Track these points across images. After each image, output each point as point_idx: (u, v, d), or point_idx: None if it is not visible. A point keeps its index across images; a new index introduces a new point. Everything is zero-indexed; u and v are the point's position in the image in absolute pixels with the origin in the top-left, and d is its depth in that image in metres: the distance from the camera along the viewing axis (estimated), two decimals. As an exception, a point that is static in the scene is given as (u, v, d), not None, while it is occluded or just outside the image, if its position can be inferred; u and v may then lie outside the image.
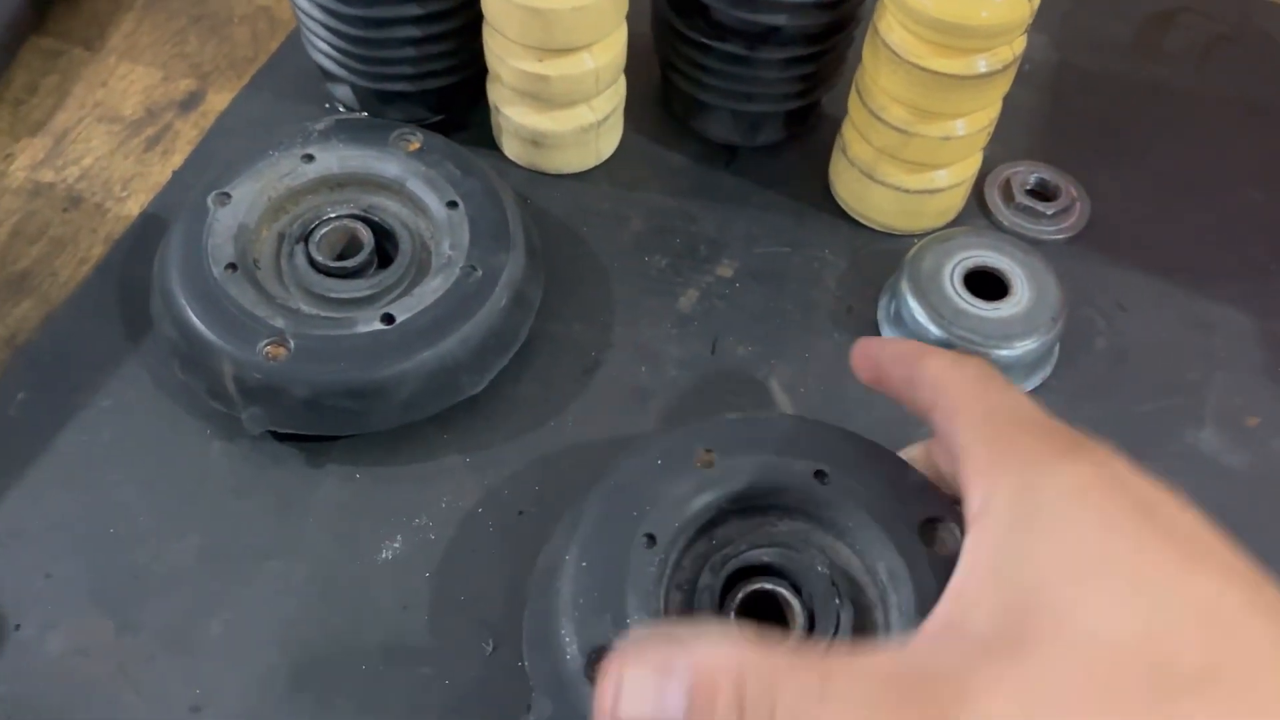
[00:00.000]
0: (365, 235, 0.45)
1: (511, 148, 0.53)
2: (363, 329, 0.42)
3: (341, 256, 0.45)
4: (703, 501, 0.35)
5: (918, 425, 0.32)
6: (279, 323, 0.42)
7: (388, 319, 0.42)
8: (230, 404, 0.41)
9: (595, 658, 0.32)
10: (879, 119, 0.47)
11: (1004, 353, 0.45)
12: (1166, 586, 0.22)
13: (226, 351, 0.41)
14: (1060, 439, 0.26)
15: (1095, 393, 0.47)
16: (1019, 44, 0.45)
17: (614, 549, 0.34)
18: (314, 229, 0.45)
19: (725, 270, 0.50)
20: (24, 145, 0.54)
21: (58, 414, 0.44)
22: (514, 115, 0.50)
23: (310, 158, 0.47)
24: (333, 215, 0.46)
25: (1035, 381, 0.47)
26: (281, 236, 0.46)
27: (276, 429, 0.42)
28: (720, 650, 0.24)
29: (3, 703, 0.37)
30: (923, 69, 0.44)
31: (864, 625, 0.34)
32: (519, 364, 0.45)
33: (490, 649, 0.39)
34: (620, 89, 0.52)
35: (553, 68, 0.47)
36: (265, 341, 0.41)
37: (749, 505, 0.36)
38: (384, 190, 0.47)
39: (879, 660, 0.23)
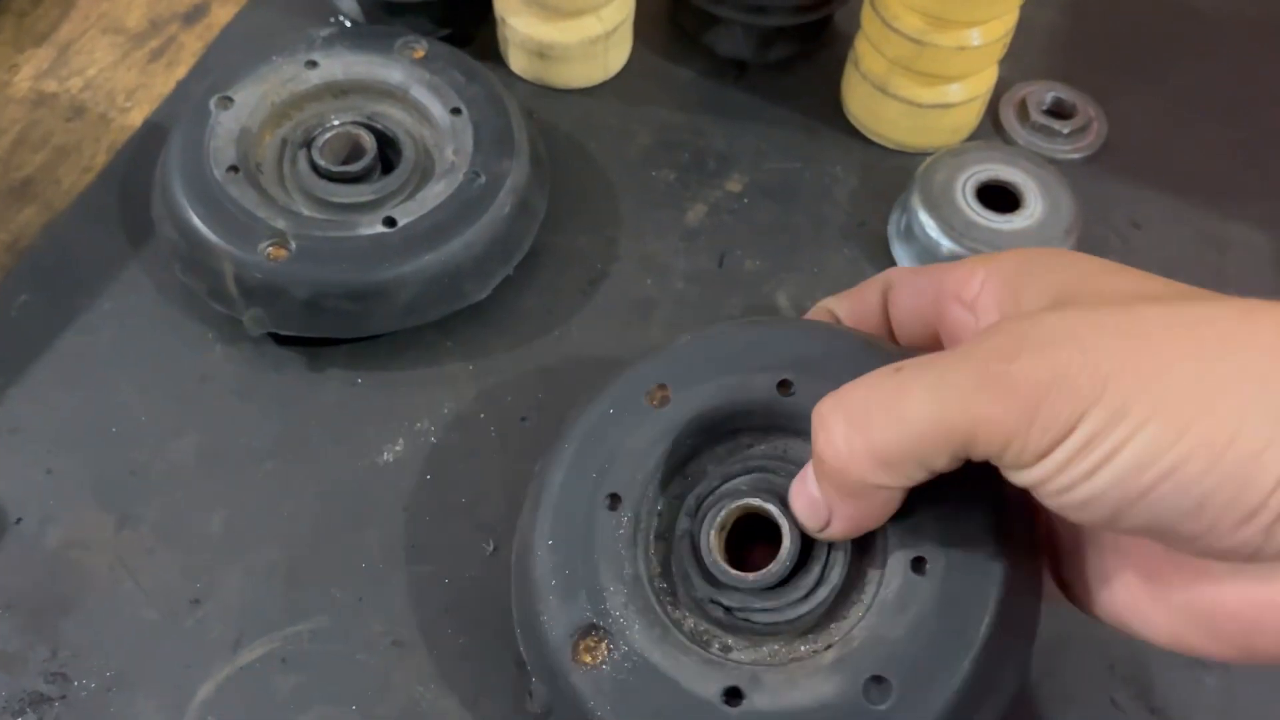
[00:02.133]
0: (368, 141, 0.45)
1: (518, 61, 0.52)
2: (364, 231, 0.41)
3: (344, 162, 0.44)
4: (662, 447, 0.33)
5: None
6: (280, 224, 0.41)
7: (389, 222, 0.42)
8: (231, 305, 0.41)
9: (580, 637, 0.30)
10: (892, 29, 0.46)
11: (1015, 267, 0.44)
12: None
13: (227, 252, 0.40)
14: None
15: (1108, 310, 0.46)
16: (1038, -51, 0.44)
17: (578, 518, 0.32)
18: (317, 135, 0.45)
19: (734, 185, 0.49)
20: (28, 56, 0.53)
21: (59, 316, 0.44)
22: (520, 26, 0.50)
23: (314, 64, 0.46)
24: (336, 122, 0.45)
25: (1047, 298, 0.46)
26: (284, 142, 0.45)
27: (277, 331, 0.41)
28: None
29: (3, 590, 0.37)
30: (938, -27, 0.43)
31: (858, 543, 0.31)
32: (523, 274, 0.45)
33: (491, 549, 0.39)
34: (629, 0, 0.51)
35: (560, -27, 0.47)
36: (266, 242, 0.40)
37: (716, 433, 0.33)
38: (387, 97, 0.47)
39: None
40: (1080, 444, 0.23)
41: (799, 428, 0.32)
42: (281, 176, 0.45)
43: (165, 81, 0.52)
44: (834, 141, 0.51)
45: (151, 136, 0.49)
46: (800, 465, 0.31)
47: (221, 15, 0.55)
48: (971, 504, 0.29)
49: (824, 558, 0.31)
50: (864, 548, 0.31)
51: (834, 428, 0.27)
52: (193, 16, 0.55)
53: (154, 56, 0.53)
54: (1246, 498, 0.22)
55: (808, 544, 0.31)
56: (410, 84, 0.46)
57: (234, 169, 0.43)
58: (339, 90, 0.47)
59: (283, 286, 0.40)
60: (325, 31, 0.47)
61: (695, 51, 0.54)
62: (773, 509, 0.31)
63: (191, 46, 0.54)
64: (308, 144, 0.45)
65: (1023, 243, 0.44)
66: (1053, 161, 0.50)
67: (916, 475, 0.27)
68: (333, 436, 0.41)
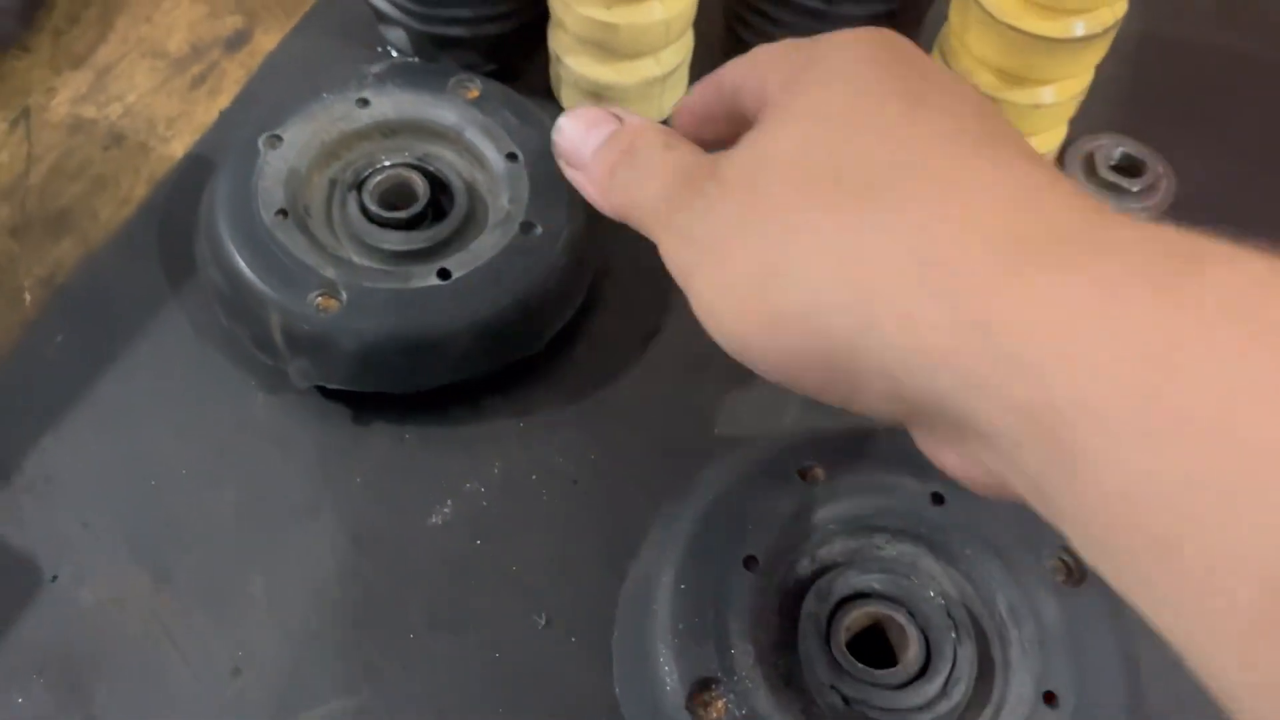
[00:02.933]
0: (420, 185, 0.43)
1: (571, 99, 0.50)
2: (417, 283, 0.40)
3: (394, 207, 0.43)
4: (808, 521, 0.33)
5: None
6: (330, 273, 0.39)
7: (444, 274, 0.40)
8: (276, 355, 0.40)
9: (698, 689, 0.30)
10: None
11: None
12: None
13: (275, 300, 0.39)
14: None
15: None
16: (1120, 7, 0.42)
17: (713, 572, 0.32)
18: (367, 177, 0.43)
19: (791, 236, 0.48)
20: (65, 79, 0.52)
21: (95, 358, 0.42)
22: (576, 65, 0.48)
23: (365, 102, 0.45)
24: (387, 163, 0.44)
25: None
26: (333, 183, 0.44)
27: (324, 384, 0.40)
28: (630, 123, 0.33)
29: (37, 651, 0.36)
30: (1016, 30, 0.42)
31: (980, 661, 0.32)
32: (576, 326, 0.43)
33: (543, 623, 0.37)
34: (688, 42, 0.49)
35: (621, 15, 0.45)
36: (316, 292, 0.39)
37: (856, 525, 0.34)
38: (440, 139, 0.45)
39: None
40: (691, 294, 0.27)
41: (939, 540, 0.34)
42: (330, 220, 0.43)
43: (207, 111, 0.51)
44: (894, 193, 0.49)
45: (193, 169, 0.48)
46: (929, 580, 0.34)
47: (265, 42, 0.54)
48: (1102, 640, 0.30)
49: (948, 671, 0.31)
50: (990, 668, 0.31)
51: (631, 151, 0.32)
52: (235, 42, 0.54)
53: (195, 84, 0.52)
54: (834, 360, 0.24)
55: (932, 652, 0.32)
56: (464, 126, 0.45)
57: (283, 213, 0.41)
58: (389, 130, 0.45)
59: (332, 339, 0.39)
60: (377, 67, 0.46)
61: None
62: (903, 621, 0.32)
63: (234, 74, 0.52)
64: (358, 186, 0.43)
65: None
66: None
67: (626, 221, 0.32)
68: (378, 495, 0.40)
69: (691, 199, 0.28)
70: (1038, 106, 0.44)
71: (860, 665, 0.32)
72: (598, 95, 0.49)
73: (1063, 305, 0.19)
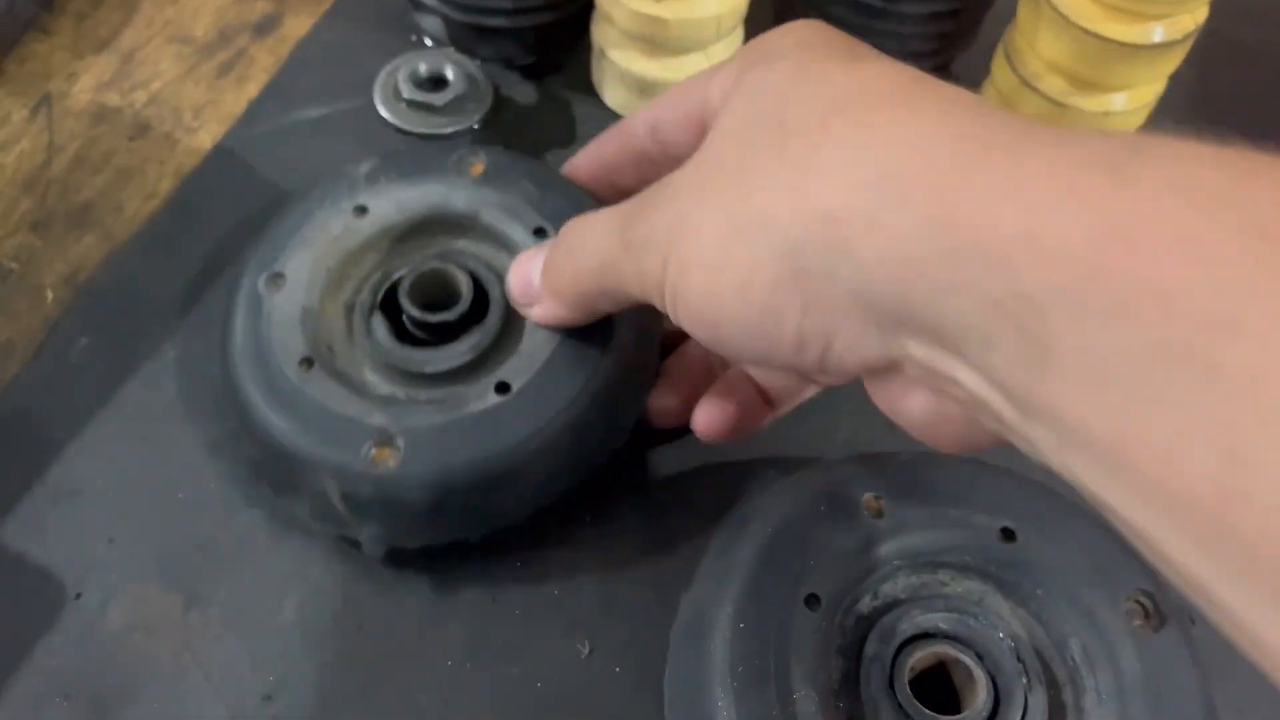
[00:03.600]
0: (458, 277, 0.37)
1: (615, 96, 0.48)
2: (475, 406, 0.34)
3: (433, 310, 0.37)
4: (871, 556, 0.32)
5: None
6: (378, 419, 0.34)
7: (502, 388, 0.35)
8: (342, 525, 0.35)
9: None
10: (1031, 87, 0.42)
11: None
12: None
13: (327, 466, 0.34)
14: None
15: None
16: (1201, 13, 0.40)
17: (774, 610, 0.31)
18: (389, 292, 0.38)
19: (843, 244, 0.46)
20: (88, 64, 0.50)
21: (121, 363, 0.41)
22: (621, 60, 0.46)
23: (362, 209, 0.38)
24: (404, 271, 0.38)
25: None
26: (350, 309, 0.38)
27: (403, 545, 0.35)
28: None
29: (60, 674, 0.34)
30: (1091, 34, 0.39)
31: (1052, 708, 0.31)
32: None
33: (586, 651, 0.36)
34: (738, 38, 0.47)
35: (671, 10, 0.43)
36: (368, 445, 0.33)
37: (920, 560, 0.32)
38: (455, 230, 0.39)
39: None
40: (668, 292, 0.27)
41: (1008, 579, 0.32)
42: (357, 353, 0.37)
43: (235, 100, 0.49)
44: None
45: (221, 162, 0.46)
46: (997, 620, 0.32)
47: (294, 27, 0.52)
48: (1183, 689, 0.28)
49: (1018, 718, 0.30)
50: (1062, 716, 0.30)
51: (560, 241, 0.33)
52: (264, 27, 0.52)
53: (223, 71, 0.50)
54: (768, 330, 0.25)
55: (1000, 697, 0.30)
56: (479, 208, 0.39)
57: (307, 362, 0.35)
58: (397, 234, 0.39)
59: (400, 495, 0.33)
60: (364, 166, 0.39)
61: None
62: (971, 663, 0.30)
63: (263, 61, 0.50)
64: (380, 306, 0.38)
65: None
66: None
67: (603, 306, 0.33)
68: (415, 513, 0.38)
69: (642, 210, 0.29)
70: (1108, 114, 0.42)
71: (927, 711, 0.30)
72: (643, 91, 0.47)
73: (1021, 194, 0.20)
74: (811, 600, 0.31)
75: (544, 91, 0.49)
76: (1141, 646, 0.31)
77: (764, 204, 0.24)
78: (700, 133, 0.30)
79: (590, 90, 0.49)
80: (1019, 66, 0.43)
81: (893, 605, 0.32)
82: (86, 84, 0.49)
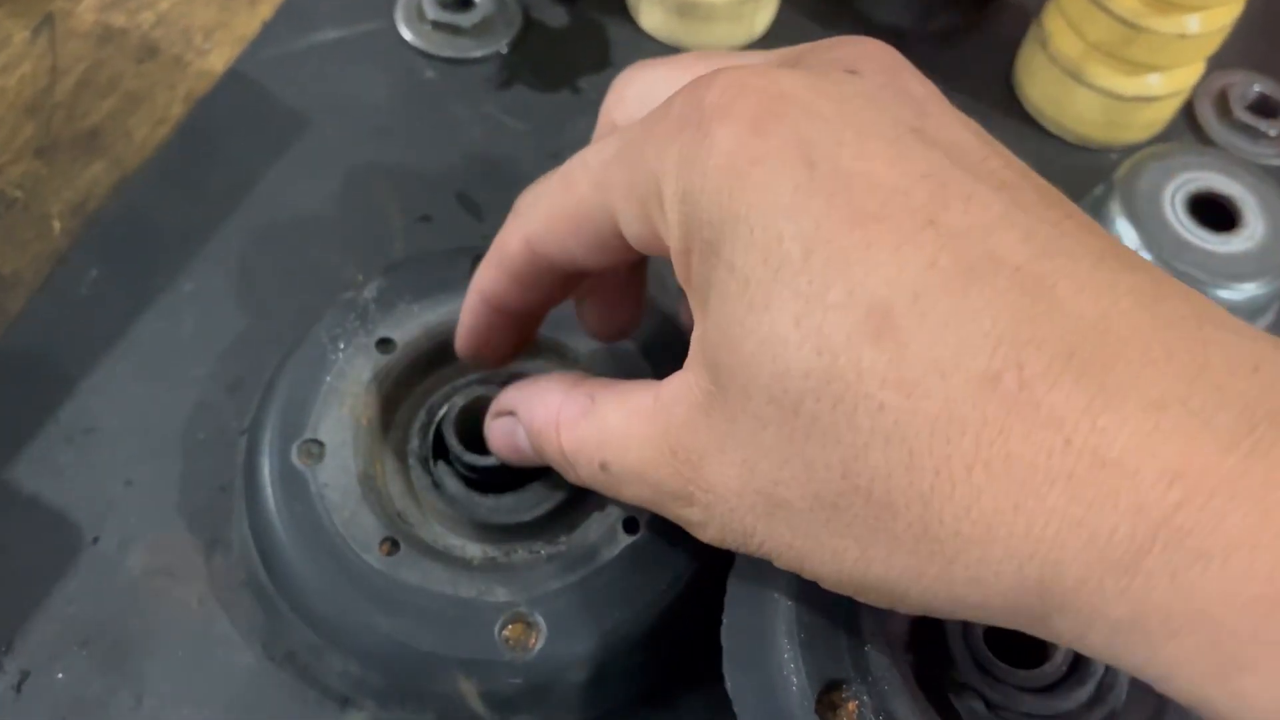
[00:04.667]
0: None
1: (652, 18, 0.46)
2: (607, 553, 0.30)
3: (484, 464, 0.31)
4: None
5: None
6: (500, 594, 0.29)
7: (631, 526, 0.31)
8: None
9: (827, 690, 0.26)
10: (1102, 7, 0.40)
11: (1225, 294, 0.38)
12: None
13: (458, 663, 0.29)
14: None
15: (1321, 347, 0.41)
16: (1289, -76, 0.37)
17: None
18: (439, 431, 0.32)
19: (894, 177, 0.44)
20: (91, -18, 0.47)
21: (134, 296, 0.38)
22: (661, -21, 0.43)
23: (387, 343, 0.33)
24: (446, 407, 0.33)
25: (1253, 329, 0.40)
26: (405, 463, 0.33)
27: None
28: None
29: (78, 621, 0.32)
30: (1170, -52, 0.37)
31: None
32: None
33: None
34: (784, -46, 0.44)
35: (718, -78, 0.40)
36: (498, 626, 0.29)
37: None
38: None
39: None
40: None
41: None
42: (431, 516, 0.32)
43: (248, 21, 0.46)
44: (1006, 130, 0.45)
45: (235, 87, 0.44)
46: None
47: (310, -55, 0.49)
48: None
49: (1100, 673, 0.28)
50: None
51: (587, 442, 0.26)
52: (277, -55, 0.49)
53: (235, -10, 0.47)
54: None
55: (1081, 658, 0.28)
56: None
57: (391, 543, 0.30)
58: (430, 361, 0.34)
59: (555, 681, 0.29)
60: (369, 289, 0.34)
61: (847, 16, 0.48)
62: None
63: (277, -20, 0.47)
64: (441, 455, 0.32)
65: (1239, 268, 0.38)
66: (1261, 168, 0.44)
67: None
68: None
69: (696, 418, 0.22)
70: (1183, 36, 0.40)
71: (1003, 665, 0.29)
72: (683, 12, 0.44)
73: None
74: None
75: (576, 14, 0.47)
76: None
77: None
78: (624, 263, 0.25)
79: (624, 13, 0.47)
80: (1089, -16, 0.40)
81: None
82: (90, 3, 0.46)
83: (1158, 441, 0.17)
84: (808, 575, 0.22)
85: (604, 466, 0.25)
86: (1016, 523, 0.18)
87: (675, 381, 0.23)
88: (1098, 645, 0.18)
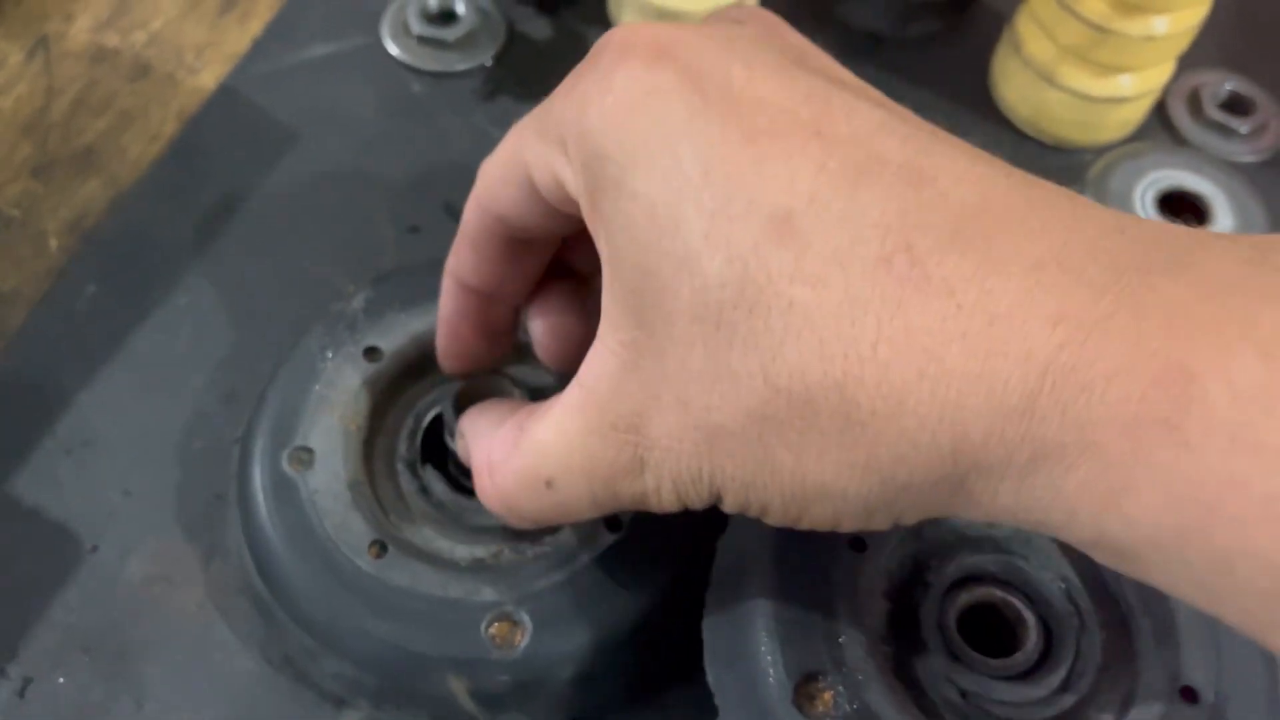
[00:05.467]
0: (510, 390, 0.33)
1: (633, 29, 0.46)
2: (589, 552, 0.31)
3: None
4: None
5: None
6: (487, 593, 0.30)
7: (613, 524, 0.31)
8: None
9: (804, 681, 0.27)
10: (1071, 11, 0.41)
11: (1198, 290, 0.39)
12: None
13: (447, 662, 0.29)
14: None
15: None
16: (1251, -73, 0.38)
17: (818, 553, 0.29)
18: (429, 435, 0.34)
19: (873, 180, 0.44)
20: (85, 3, 0.48)
21: (131, 310, 0.39)
22: (641, -10, 0.44)
23: (375, 352, 0.34)
24: (434, 412, 0.34)
25: (1226, 323, 0.41)
26: (393, 468, 0.34)
27: None
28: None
29: (80, 632, 0.33)
30: (1136, -48, 0.38)
31: (1106, 651, 0.30)
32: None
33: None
34: (762, -36, 0.45)
35: (695, -65, 0.41)
36: (485, 625, 0.29)
37: None
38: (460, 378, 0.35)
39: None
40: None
41: None
42: (419, 519, 0.33)
43: (238, 39, 0.47)
44: (983, 133, 0.46)
45: (226, 103, 0.45)
46: (1047, 562, 0.31)
47: (297, -37, 0.50)
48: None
49: (1070, 661, 0.29)
50: (1117, 659, 0.29)
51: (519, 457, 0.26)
52: (266, -36, 0.50)
53: (224, 9, 0.48)
54: None
55: (1053, 641, 0.29)
56: None
57: (379, 545, 0.31)
58: (417, 369, 0.35)
59: (542, 677, 0.30)
60: (357, 299, 0.35)
61: (826, 23, 0.49)
62: (1021, 606, 0.29)
63: (266, -1, 0.48)
64: (425, 458, 0.34)
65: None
66: (1231, 165, 0.45)
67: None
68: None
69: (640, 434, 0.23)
70: (1150, 38, 0.40)
71: (976, 655, 0.29)
72: (663, 21, 0.45)
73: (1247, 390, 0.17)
74: (856, 542, 0.30)
75: (559, 26, 0.48)
76: None
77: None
78: (557, 218, 0.25)
79: (605, 23, 0.48)
80: (1058, -10, 0.41)
81: (939, 548, 0.31)
82: (84, 24, 0.47)
83: (1039, 295, 0.18)
84: (755, 510, 0.23)
85: (550, 484, 0.25)
86: (923, 389, 0.19)
87: (593, 358, 0.23)
88: (1010, 503, 0.20)
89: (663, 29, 0.22)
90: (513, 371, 0.34)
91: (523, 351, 0.34)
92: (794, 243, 0.20)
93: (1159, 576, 0.19)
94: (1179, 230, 0.20)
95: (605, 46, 0.23)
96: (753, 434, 0.21)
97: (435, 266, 0.35)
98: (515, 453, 0.25)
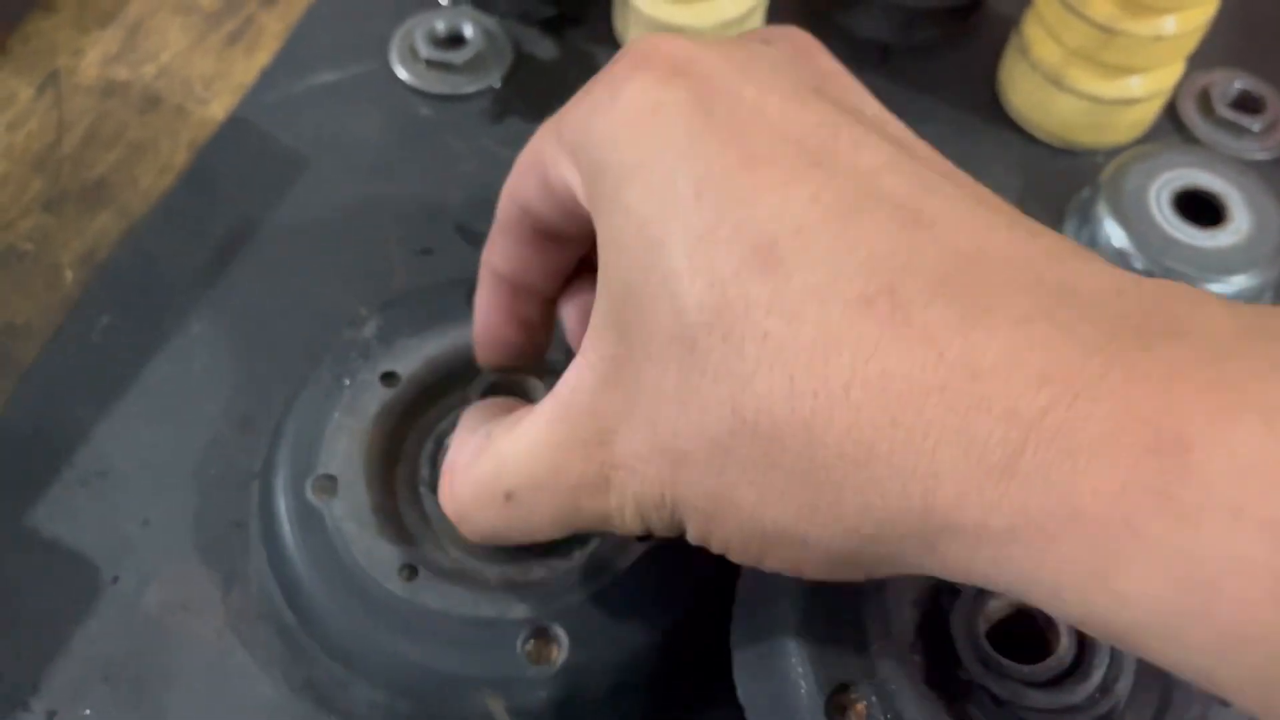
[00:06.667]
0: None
1: (639, 46, 0.47)
2: (623, 561, 0.31)
3: None
4: None
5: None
6: (519, 610, 0.30)
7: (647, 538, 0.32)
8: None
9: (836, 692, 0.27)
10: (1077, 13, 0.41)
11: (1217, 287, 0.39)
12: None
13: (484, 681, 0.29)
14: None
15: (1315, 336, 0.41)
16: (1256, -77, 0.38)
17: None
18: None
19: (883, 189, 0.44)
20: (94, 39, 0.48)
21: (145, 340, 0.39)
22: (646, 7, 0.44)
23: (391, 377, 0.34)
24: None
25: (1246, 322, 0.41)
26: (416, 492, 0.33)
27: None
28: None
29: (100, 661, 0.33)
30: (1141, -48, 0.38)
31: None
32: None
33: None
34: (765, -23, 0.45)
35: (698, -50, 0.41)
36: (520, 642, 0.29)
37: None
38: (492, 374, 0.34)
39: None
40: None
41: None
42: (445, 540, 0.32)
43: (246, 69, 0.47)
44: (992, 137, 0.46)
45: (236, 133, 0.45)
46: None
47: (303, -8, 0.50)
48: None
49: (1105, 664, 0.28)
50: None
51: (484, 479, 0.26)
52: (272, -6, 0.50)
53: (232, 40, 0.48)
54: None
55: (1085, 644, 0.29)
56: None
57: (409, 569, 0.31)
58: (435, 392, 0.35)
59: (579, 693, 0.29)
60: (368, 328, 0.35)
61: (831, 32, 0.49)
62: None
63: (273, 28, 0.49)
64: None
65: (1228, 261, 0.39)
66: (1244, 163, 0.44)
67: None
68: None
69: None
70: (1159, 38, 0.40)
71: (1007, 661, 0.29)
72: (669, 40, 0.45)
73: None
74: None
75: (565, 45, 0.48)
76: None
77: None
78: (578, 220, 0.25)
79: (613, 42, 0.48)
80: (1064, -8, 0.41)
81: None
82: (93, 59, 0.48)
83: (1026, 351, 0.17)
84: (717, 546, 0.22)
85: (509, 496, 0.24)
86: (895, 437, 0.18)
87: (572, 371, 0.23)
88: (988, 569, 0.18)
89: (683, 44, 0.22)
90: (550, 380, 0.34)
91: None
92: (775, 273, 0.19)
93: (1157, 656, 0.17)
94: (1180, 291, 0.18)
95: (625, 54, 0.23)
96: (716, 464, 0.20)
97: (443, 289, 0.36)
98: (478, 460, 0.25)
